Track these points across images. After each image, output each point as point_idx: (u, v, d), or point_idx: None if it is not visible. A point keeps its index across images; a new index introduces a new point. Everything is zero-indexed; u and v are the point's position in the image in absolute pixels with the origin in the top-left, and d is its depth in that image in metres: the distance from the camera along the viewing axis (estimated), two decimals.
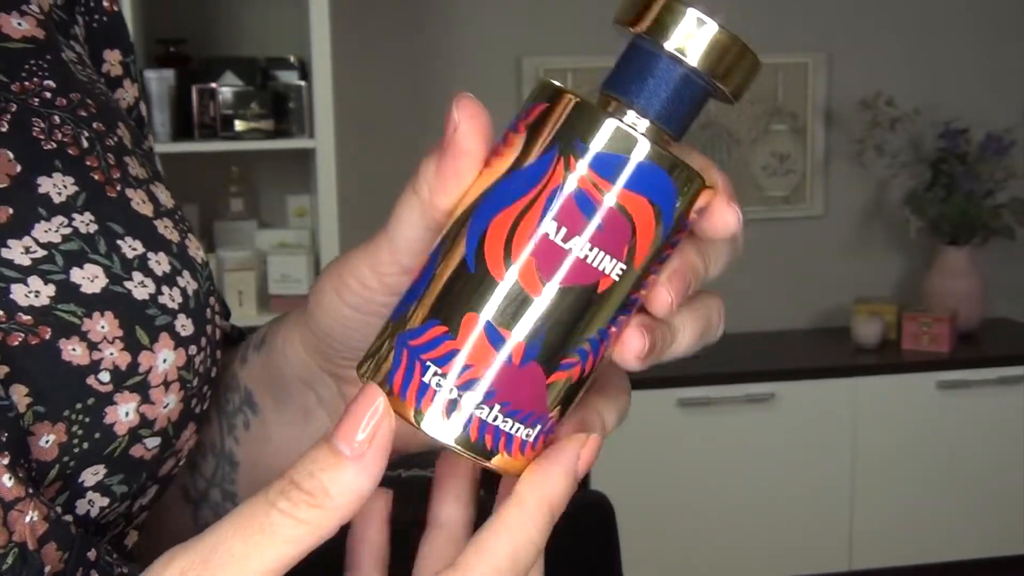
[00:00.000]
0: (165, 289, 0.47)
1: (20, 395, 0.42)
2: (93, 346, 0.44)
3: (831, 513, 2.90)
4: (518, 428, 0.36)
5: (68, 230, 0.45)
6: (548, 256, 0.35)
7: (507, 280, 0.35)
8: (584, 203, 0.34)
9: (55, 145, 0.46)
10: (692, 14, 0.34)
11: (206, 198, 2.74)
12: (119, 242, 0.46)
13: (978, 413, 2.91)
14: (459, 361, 0.35)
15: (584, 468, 0.37)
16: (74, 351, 0.43)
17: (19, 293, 0.42)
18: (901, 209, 3.18)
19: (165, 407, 0.47)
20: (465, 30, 3.01)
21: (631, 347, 0.37)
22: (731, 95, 0.36)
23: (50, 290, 0.43)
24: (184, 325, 0.48)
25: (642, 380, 2.64)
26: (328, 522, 0.33)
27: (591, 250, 0.35)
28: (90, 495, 0.45)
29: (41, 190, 0.45)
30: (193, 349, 0.48)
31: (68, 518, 0.42)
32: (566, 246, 0.35)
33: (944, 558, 2.94)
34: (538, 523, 0.35)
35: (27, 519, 0.39)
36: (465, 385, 0.35)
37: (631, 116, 0.36)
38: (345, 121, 2.60)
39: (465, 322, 0.35)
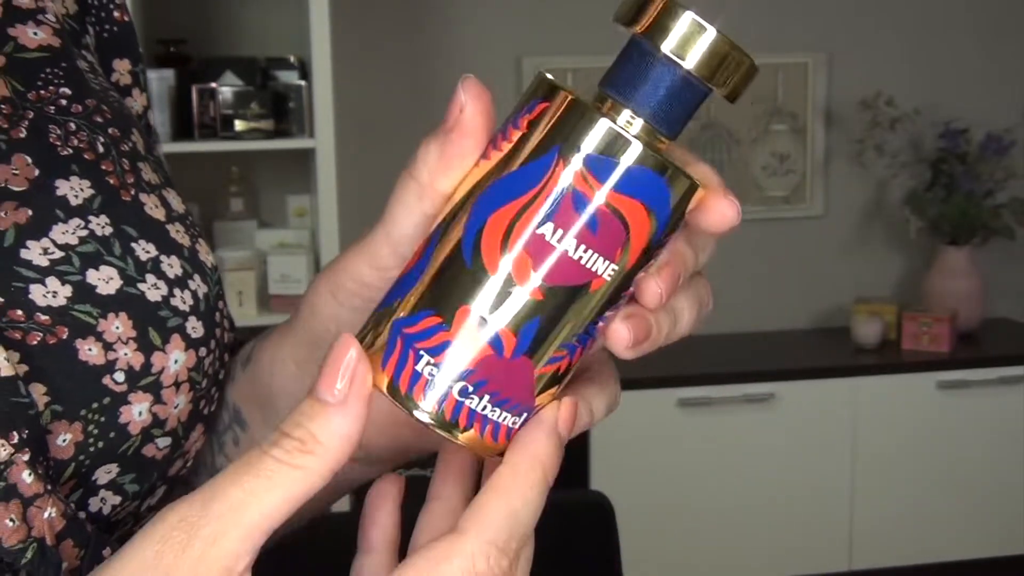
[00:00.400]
0: (177, 292, 0.48)
1: (38, 394, 0.43)
2: (108, 346, 0.45)
3: (831, 513, 2.90)
4: (505, 417, 0.37)
5: (84, 232, 0.46)
6: (543, 256, 0.35)
7: (502, 277, 0.36)
8: (580, 206, 0.35)
9: (71, 150, 0.47)
10: (689, 17, 0.35)
11: (206, 198, 2.74)
12: (133, 245, 0.47)
13: (978, 413, 2.91)
14: (451, 352, 0.36)
15: (565, 428, 0.38)
16: (90, 351, 0.44)
17: (37, 293, 0.44)
18: (901, 209, 3.18)
19: (176, 407, 0.48)
20: (465, 30, 3.01)
21: (619, 338, 0.38)
22: (726, 98, 0.37)
23: (67, 291, 0.44)
24: (195, 327, 0.49)
25: (642, 380, 2.64)
26: (320, 466, 0.34)
27: (585, 252, 0.35)
28: (103, 493, 0.46)
29: (59, 193, 0.46)
30: (203, 351, 0.49)
31: (81, 515, 0.43)
32: (561, 247, 0.35)
33: (944, 558, 2.94)
34: (531, 481, 0.36)
35: (45, 515, 0.41)
36: (456, 375, 0.36)
37: (626, 115, 0.36)
38: (345, 121, 2.60)
39: (459, 314, 0.36)
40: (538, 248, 0.35)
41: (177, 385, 0.48)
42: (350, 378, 0.35)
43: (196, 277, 0.50)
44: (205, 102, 2.53)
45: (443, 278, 0.36)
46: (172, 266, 0.49)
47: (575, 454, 2.67)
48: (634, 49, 0.36)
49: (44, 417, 0.43)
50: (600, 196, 0.35)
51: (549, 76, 0.37)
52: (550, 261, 0.35)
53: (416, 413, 0.36)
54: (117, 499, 0.47)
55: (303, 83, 2.55)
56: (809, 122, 3.17)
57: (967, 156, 3.07)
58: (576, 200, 0.35)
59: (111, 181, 0.48)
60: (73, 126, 0.48)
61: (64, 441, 0.44)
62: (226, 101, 2.51)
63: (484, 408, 0.36)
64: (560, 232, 0.35)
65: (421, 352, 0.36)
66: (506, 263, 0.36)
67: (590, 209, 0.35)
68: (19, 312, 0.43)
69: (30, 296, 0.43)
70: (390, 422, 0.47)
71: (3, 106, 0.46)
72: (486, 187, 0.37)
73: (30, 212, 0.45)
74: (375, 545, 0.42)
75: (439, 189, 0.38)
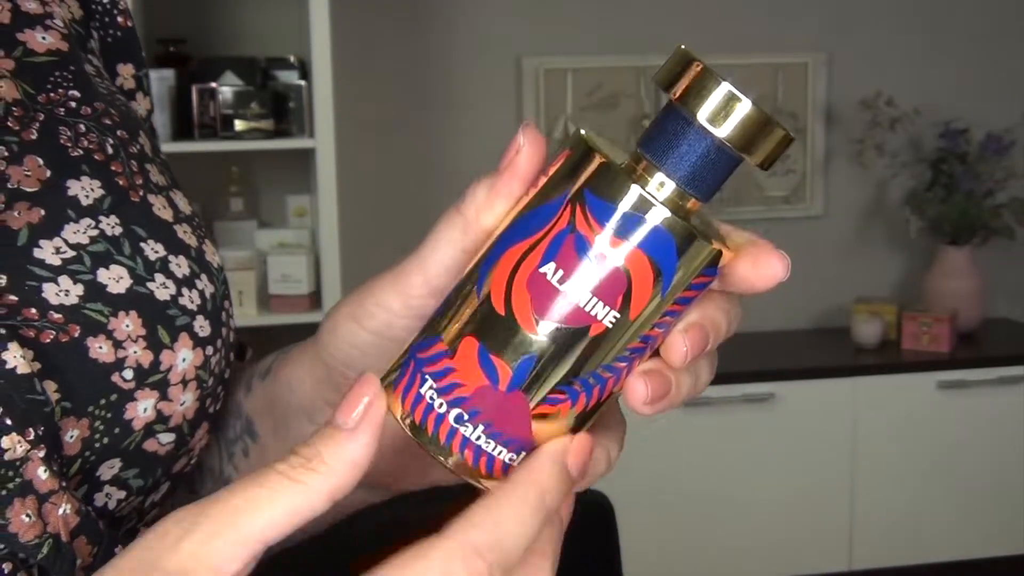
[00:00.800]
0: (185, 291, 0.49)
1: (50, 391, 0.44)
2: (118, 344, 0.46)
3: (831, 513, 2.90)
4: (500, 451, 0.38)
5: (95, 232, 0.47)
6: (543, 294, 0.37)
7: (505, 311, 0.37)
8: (581, 249, 0.36)
9: (82, 151, 0.48)
10: (725, 87, 0.36)
11: (206, 198, 2.74)
12: (142, 245, 0.48)
13: (978, 413, 2.91)
14: (452, 379, 0.37)
15: (575, 462, 0.37)
16: (100, 349, 0.45)
17: (50, 292, 0.45)
18: (901, 209, 3.18)
19: (182, 404, 0.48)
20: (465, 30, 3.01)
21: (636, 394, 0.38)
22: (759, 167, 0.38)
23: (79, 289, 0.45)
24: (202, 326, 0.50)
25: None
26: (322, 485, 0.35)
27: (583, 294, 0.36)
28: (107, 488, 0.47)
29: (70, 193, 0.47)
30: (210, 350, 0.50)
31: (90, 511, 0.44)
32: (561, 288, 0.36)
33: (944, 558, 2.94)
34: (525, 498, 0.36)
35: (60, 511, 0.42)
36: (454, 401, 0.37)
37: (658, 177, 0.37)
38: (345, 121, 2.60)
39: (464, 344, 0.37)
40: (539, 286, 0.37)
41: (184, 383, 0.48)
42: (365, 409, 0.36)
43: (203, 277, 0.51)
44: (205, 102, 2.53)
45: (456, 308, 0.38)
46: (180, 266, 0.50)
47: None
48: (671, 114, 0.37)
49: (55, 414, 0.44)
50: (601, 241, 0.36)
51: (584, 135, 0.38)
52: (549, 300, 0.37)
53: (414, 435, 0.38)
54: (122, 494, 0.47)
55: (303, 83, 2.55)
56: (809, 122, 3.17)
57: (967, 156, 3.07)
58: (578, 242, 0.36)
59: (120, 182, 0.49)
60: (83, 128, 0.49)
61: (72, 437, 0.44)
62: (226, 101, 2.51)
63: (479, 438, 0.37)
64: (560, 273, 0.36)
65: (426, 376, 0.38)
66: (510, 299, 0.37)
67: (589, 252, 0.36)
68: (33, 311, 0.44)
69: (43, 295, 0.44)
70: (393, 447, 0.47)
71: (15, 108, 0.47)
72: (508, 227, 0.38)
73: (43, 212, 0.45)
74: None
75: (482, 224, 0.40)
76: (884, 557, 2.92)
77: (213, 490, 0.57)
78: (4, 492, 0.40)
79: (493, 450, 0.37)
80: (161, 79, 2.50)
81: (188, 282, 0.50)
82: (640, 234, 0.36)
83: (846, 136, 3.16)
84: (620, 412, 0.43)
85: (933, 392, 2.88)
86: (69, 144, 0.48)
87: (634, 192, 0.36)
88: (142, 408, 0.46)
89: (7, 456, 0.40)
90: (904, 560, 2.93)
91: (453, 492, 0.43)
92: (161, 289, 0.48)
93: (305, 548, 0.42)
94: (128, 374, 0.46)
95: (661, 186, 0.37)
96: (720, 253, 0.37)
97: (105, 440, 0.45)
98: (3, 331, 0.42)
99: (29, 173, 0.46)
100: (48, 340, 0.44)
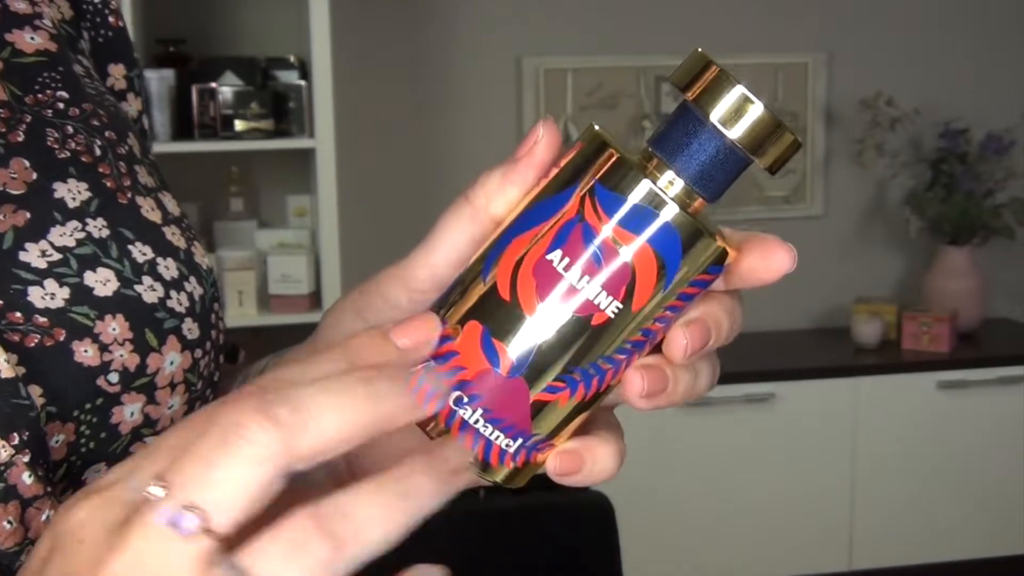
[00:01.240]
0: (173, 293, 0.49)
1: (36, 395, 0.43)
2: (104, 348, 0.45)
3: (831, 513, 2.90)
4: (498, 436, 0.38)
5: (82, 234, 0.46)
6: (548, 281, 0.37)
7: (510, 297, 0.38)
8: (588, 239, 0.37)
9: (69, 153, 0.48)
10: (740, 90, 0.36)
11: (206, 198, 2.74)
12: (130, 247, 0.48)
13: (978, 413, 2.91)
14: (455, 363, 0.38)
15: (400, 334, 0.37)
16: (86, 352, 0.45)
17: (36, 295, 0.44)
18: (901, 209, 3.18)
19: (170, 408, 0.48)
20: (465, 30, 3.01)
21: (631, 386, 0.38)
22: (767, 170, 0.38)
23: (65, 293, 0.45)
24: (191, 329, 0.49)
25: None
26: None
27: (588, 283, 0.37)
28: None
29: (57, 195, 0.46)
30: (199, 352, 0.50)
31: None
32: (566, 275, 0.37)
33: (944, 558, 2.94)
34: (331, 359, 0.35)
35: (43, 517, 0.41)
36: (456, 386, 0.38)
37: (668, 175, 0.38)
38: (345, 121, 2.60)
39: (468, 328, 0.38)
40: (544, 272, 0.37)
41: (172, 386, 0.48)
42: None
43: (192, 279, 0.51)
44: (205, 102, 2.53)
45: (463, 293, 0.39)
46: (168, 268, 0.49)
47: None
48: (685, 113, 0.38)
49: (40, 419, 0.43)
50: (607, 231, 0.37)
51: (598, 130, 0.39)
52: (554, 286, 0.37)
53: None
54: None
55: (303, 83, 2.55)
56: (809, 122, 3.17)
57: (967, 156, 3.07)
58: (585, 232, 0.37)
59: (108, 184, 0.49)
60: (71, 129, 0.49)
61: (57, 442, 0.44)
62: (226, 101, 2.51)
63: (477, 422, 0.38)
64: (566, 260, 0.37)
65: (430, 360, 0.38)
66: (516, 284, 0.38)
67: (596, 241, 0.37)
68: (18, 314, 0.43)
69: (28, 298, 0.44)
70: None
71: (1, 111, 0.46)
72: (519, 215, 0.39)
73: (28, 215, 0.45)
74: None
75: (492, 212, 0.40)
76: (884, 557, 2.92)
77: None
78: None
79: (492, 435, 0.38)
80: (161, 79, 2.50)
81: (177, 284, 0.49)
82: (647, 228, 0.37)
83: (846, 136, 3.16)
84: (615, 417, 0.42)
85: (933, 392, 2.88)
86: (56, 146, 0.47)
87: (644, 186, 0.37)
88: (129, 412, 0.46)
89: None
90: (904, 560, 2.93)
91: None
92: (149, 292, 0.48)
93: None
94: (113, 378, 0.45)
95: (671, 183, 0.38)
96: (725, 251, 0.38)
97: (91, 445, 0.45)
98: None
99: (15, 176, 0.45)
100: (33, 344, 0.43)
